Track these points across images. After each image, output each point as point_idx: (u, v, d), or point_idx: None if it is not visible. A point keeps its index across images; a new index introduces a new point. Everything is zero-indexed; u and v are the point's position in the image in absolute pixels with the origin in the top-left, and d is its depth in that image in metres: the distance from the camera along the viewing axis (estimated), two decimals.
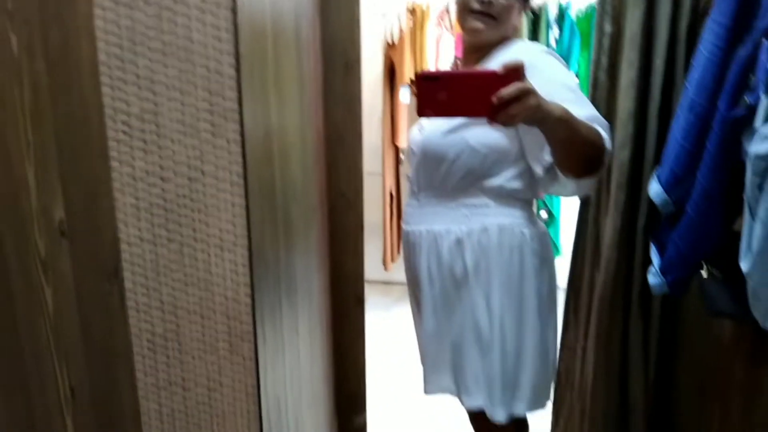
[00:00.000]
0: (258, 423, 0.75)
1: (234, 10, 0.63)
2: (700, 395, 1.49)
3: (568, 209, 2.64)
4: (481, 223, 1.30)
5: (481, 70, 1.04)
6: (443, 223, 1.34)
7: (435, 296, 1.37)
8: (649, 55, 1.43)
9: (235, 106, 0.66)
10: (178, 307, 0.73)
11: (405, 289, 1.63)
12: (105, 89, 0.66)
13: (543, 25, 2.46)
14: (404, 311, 3.00)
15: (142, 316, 0.73)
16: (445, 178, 1.32)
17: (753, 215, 1.03)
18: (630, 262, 1.52)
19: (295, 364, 1.28)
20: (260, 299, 0.77)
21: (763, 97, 1.00)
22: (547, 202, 2.86)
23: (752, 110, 1.02)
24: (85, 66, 0.65)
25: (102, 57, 0.65)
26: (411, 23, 2.73)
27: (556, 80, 1.18)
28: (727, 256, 1.12)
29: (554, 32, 2.37)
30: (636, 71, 1.43)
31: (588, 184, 1.25)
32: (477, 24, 1.27)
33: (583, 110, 1.14)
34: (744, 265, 1.04)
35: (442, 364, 1.37)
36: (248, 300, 0.70)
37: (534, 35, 2.55)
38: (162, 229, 0.70)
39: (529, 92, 0.94)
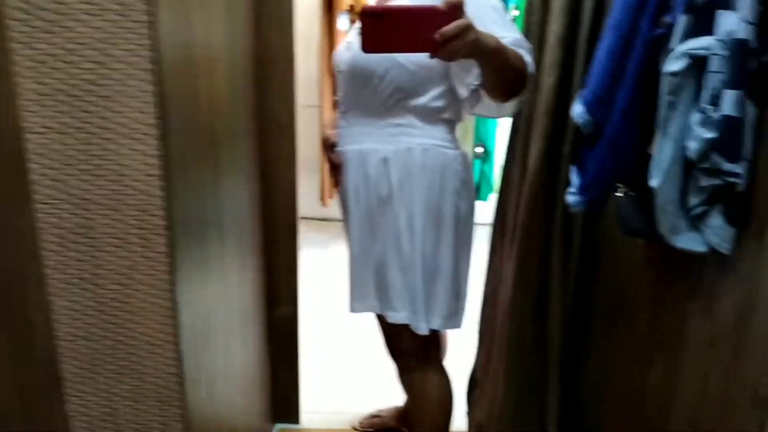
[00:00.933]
0: (173, 320, 0.75)
1: None
2: (612, 314, 1.59)
3: (504, 145, 2.68)
4: (406, 142, 1.32)
5: (424, 6, 1.04)
6: (370, 143, 1.35)
7: (361, 216, 1.38)
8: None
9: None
10: (88, 200, 0.71)
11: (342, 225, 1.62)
12: None
13: None
14: (342, 248, 3.03)
15: (49, 209, 0.70)
16: (373, 96, 1.32)
17: (664, 133, 1.07)
18: (553, 187, 1.57)
19: (220, 276, 1.28)
20: (175, 195, 0.76)
21: (679, 16, 1.02)
22: (482, 138, 2.90)
23: (671, 30, 1.06)
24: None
25: None
26: None
27: (485, 2, 1.25)
28: (641, 177, 1.17)
29: None
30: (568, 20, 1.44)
31: (510, 106, 1.38)
32: None
33: (509, 33, 1.22)
34: (654, 181, 1.09)
35: (368, 283, 1.40)
36: (160, 192, 0.69)
37: None
38: (68, 116, 0.67)
39: (470, 28, 0.98)
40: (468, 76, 1.28)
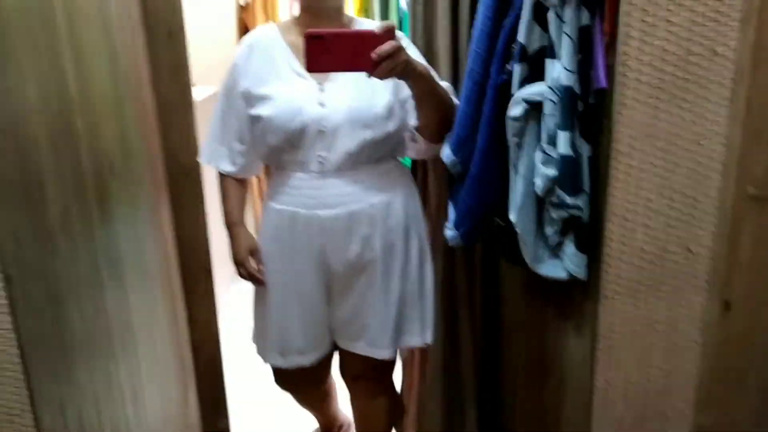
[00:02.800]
0: (27, 388, 0.80)
1: None
2: (515, 334, 1.66)
3: None
4: (397, 187, 1.43)
5: (361, 30, 1.21)
6: (368, 197, 1.38)
7: (385, 268, 1.43)
8: (456, 22, 1.52)
9: None
10: None
11: None
12: None
13: None
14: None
15: None
16: (370, 149, 1.36)
17: (516, 171, 1.15)
18: None
19: (127, 331, 1.32)
20: (42, 270, 0.81)
21: (517, 65, 1.11)
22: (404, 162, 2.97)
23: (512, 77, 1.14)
24: None
25: None
26: None
27: (416, 54, 1.38)
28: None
29: None
30: (448, 38, 1.51)
31: (435, 149, 1.42)
32: None
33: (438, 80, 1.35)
34: (511, 215, 1.17)
35: (384, 328, 1.46)
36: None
37: (385, 1, 2.60)
38: None
39: (401, 49, 1.12)
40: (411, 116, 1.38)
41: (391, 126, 1.35)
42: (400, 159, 1.51)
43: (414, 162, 1.73)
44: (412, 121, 1.37)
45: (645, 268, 0.83)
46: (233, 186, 1.52)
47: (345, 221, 1.36)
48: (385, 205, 1.40)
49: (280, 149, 1.36)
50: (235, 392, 2.07)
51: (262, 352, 1.54)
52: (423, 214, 1.53)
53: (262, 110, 1.34)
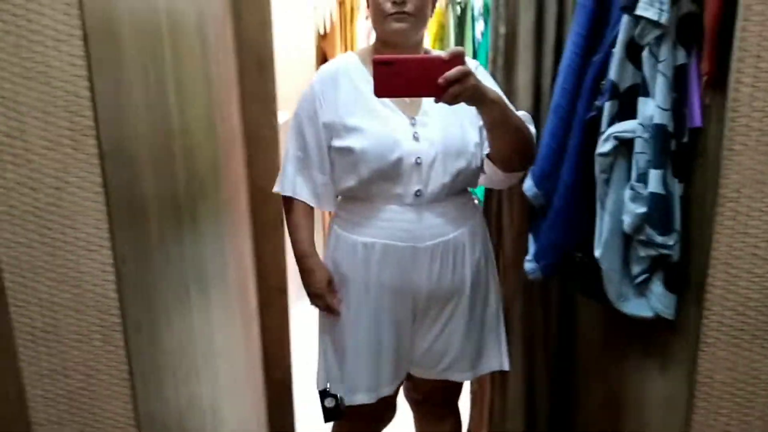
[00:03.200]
0: (132, 404, 0.84)
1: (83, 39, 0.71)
2: (591, 370, 1.63)
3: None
4: (474, 215, 1.44)
5: (429, 56, 1.21)
6: (457, 227, 1.39)
7: (472, 294, 1.44)
8: (540, 57, 1.53)
9: (92, 123, 0.74)
10: (54, 303, 0.81)
11: None
12: None
13: (468, 18, 2.54)
14: None
15: (22, 311, 0.81)
16: (461, 181, 1.37)
17: (603, 207, 1.15)
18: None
19: (209, 346, 1.37)
20: (132, 294, 0.86)
21: (607, 102, 1.11)
22: (476, 192, 2.98)
23: (602, 113, 1.14)
24: None
25: None
26: (341, 15, 2.81)
27: (492, 84, 1.37)
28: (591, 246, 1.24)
29: (479, 25, 2.46)
30: (531, 72, 1.53)
31: (514, 177, 1.44)
32: (398, 25, 1.31)
33: (512, 107, 1.33)
34: (597, 252, 1.16)
35: (465, 353, 1.47)
36: (115, 295, 0.79)
37: (460, 29, 2.63)
38: (34, 233, 0.78)
39: (470, 74, 1.10)
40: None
41: (478, 158, 1.36)
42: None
43: (487, 193, 1.73)
44: (485, 149, 1.37)
45: (749, 315, 0.81)
46: (306, 216, 1.46)
47: (440, 252, 1.37)
48: (471, 234, 1.41)
49: (371, 182, 1.34)
50: (302, 411, 2.10)
51: (347, 394, 1.46)
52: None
53: (353, 142, 1.33)
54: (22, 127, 0.75)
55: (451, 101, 1.11)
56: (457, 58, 1.10)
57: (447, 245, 1.37)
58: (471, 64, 1.44)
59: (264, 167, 1.76)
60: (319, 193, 1.44)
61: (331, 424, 1.56)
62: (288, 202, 1.47)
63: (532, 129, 1.36)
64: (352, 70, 1.41)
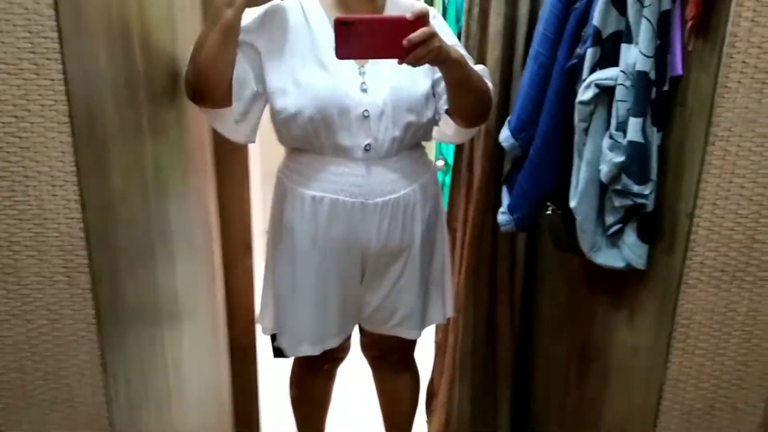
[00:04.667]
0: (100, 351, 0.80)
1: None
2: (554, 325, 1.65)
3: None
4: (427, 171, 1.41)
5: (392, 16, 1.16)
6: (408, 183, 1.36)
7: (422, 252, 1.42)
8: (514, 5, 1.51)
9: (56, 45, 0.68)
10: (14, 242, 0.75)
11: None
12: None
13: None
14: None
15: None
16: (412, 134, 1.33)
17: (580, 156, 1.14)
18: (497, 205, 1.63)
19: (172, 302, 1.33)
20: (103, 236, 0.81)
21: (589, 49, 1.10)
22: (443, 151, 2.96)
23: (583, 60, 1.13)
24: None
25: None
26: None
27: (450, 36, 1.35)
28: (566, 197, 1.24)
29: None
30: (503, 21, 1.50)
31: (468, 132, 1.44)
32: None
33: (471, 61, 1.31)
34: (572, 202, 1.16)
35: (415, 310, 1.47)
36: (82, 234, 0.74)
37: None
38: None
39: (434, 35, 1.07)
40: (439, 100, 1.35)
41: (429, 110, 1.33)
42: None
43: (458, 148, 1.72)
44: (443, 105, 1.35)
45: (731, 256, 0.82)
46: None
47: (390, 209, 1.35)
48: (422, 190, 1.38)
49: (317, 135, 1.28)
50: (266, 370, 2.08)
51: (291, 345, 1.45)
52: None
53: (301, 90, 1.25)
54: None
55: (415, 63, 1.09)
56: (422, 19, 1.06)
57: (397, 202, 1.34)
58: (429, 13, 1.39)
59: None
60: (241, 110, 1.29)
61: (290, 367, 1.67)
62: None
63: (490, 84, 1.35)
64: (308, 11, 1.31)
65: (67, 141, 0.71)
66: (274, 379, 2.17)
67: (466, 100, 1.28)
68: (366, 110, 1.26)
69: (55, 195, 0.74)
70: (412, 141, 1.36)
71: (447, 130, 1.44)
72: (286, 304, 1.43)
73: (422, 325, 1.50)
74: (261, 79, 1.28)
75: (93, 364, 0.82)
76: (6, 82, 0.70)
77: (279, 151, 1.46)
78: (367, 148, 1.29)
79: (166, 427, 1.27)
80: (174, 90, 1.33)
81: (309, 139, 1.30)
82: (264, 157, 1.80)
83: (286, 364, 1.75)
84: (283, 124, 1.29)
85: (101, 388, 0.83)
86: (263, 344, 1.98)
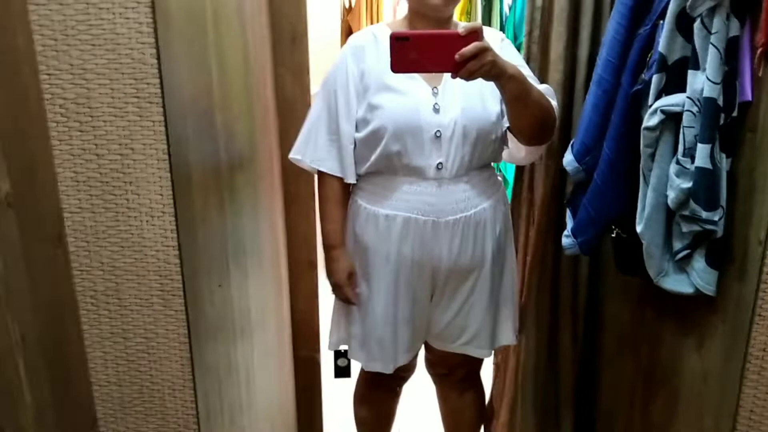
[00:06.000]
0: (190, 367, 0.86)
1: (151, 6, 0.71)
2: (618, 348, 1.64)
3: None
4: (497, 191, 1.46)
5: (446, 31, 1.20)
6: (479, 202, 1.39)
7: (492, 271, 1.45)
8: (576, 28, 1.52)
9: (158, 90, 0.75)
10: (117, 267, 0.83)
11: None
12: (42, 77, 0.74)
13: None
14: None
15: (85, 275, 0.83)
16: (482, 154, 1.37)
17: (646, 182, 1.15)
18: (559, 226, 1.64)
19: (245, 318, 1.39)
20: (191, 260, 0.88)
21: (655, 75, 1.10)
22: (501, 168, 2.98)
23: (649, 86, 1.13)
24: (23, 56, 0.73)
25: (38, 47, 0.73)
26: None
27: (515, 56, 1.39)
28: (632, 221, 1.24)
29: (507, 1, 2.45)
30: (564, 44, 1.52)
31: (535, 152, 1.46)
32: (437, 1, 1.31)
33: (536, 82, 1.33)
34: (639, 227, 1.17)
35: (484, 328, 1.49)
36: (177, 260, 0.81)
37: (487, 2, 2.61)
38: (99, 199, 0.80)
39: (487, 50, 1.10)
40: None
41: (499, 131, 1.36)
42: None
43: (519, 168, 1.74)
44: (505, 122, 1.37)
45: None
46: (336, 203, 1.46)
47: (461, 227, 1.38)
48: (493, 209, 1.42)
49: (392, 156, 1.34)
50: (329, 386, 2.12)
51: (366, 360, 1.49)
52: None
53: (377, 114, 1.33)
54: (88, 94, 0.76)
55: (468, 77, 1.11)
56: (474, 34, 1.09)
57: (469, 220, 1.38)
58: (496, 37, 1.44)
59: (296, 141, 1.76)
60: (345, 164, 1.41)
61: (353, 384, 1.70)
62: (321, 183, 1.48)
63: (554, 103, 1.36)
64: (381, 39, 1.39)
65: (165, 176, 0.78)
66: (336, 395, 2.22)
67: (526, 116, 1.30)
68: (438, 130, 1.31)
69: (153, 225, 0.81)
70: (482, 161, 1.39)
71: (515, 151, 1.46)
72: (360, 320, 1.48)
73: (492, 344, 1.51)
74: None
75: (184, 380, 0.89)
76: (112, 124, 0.77)
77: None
78: (438, 167, 1.33)
79: None
80: (247, 114, 1.41)
81: (384, 159, 1.36)
82: None
83: (350, 382, 1.80)
84: (363, 145, 1.37)
85: (191, 402, 0.89)
86: (327, 360, 2.04)
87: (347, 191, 1.48)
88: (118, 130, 0.78)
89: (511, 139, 1.44)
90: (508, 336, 1.54)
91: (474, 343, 1.49)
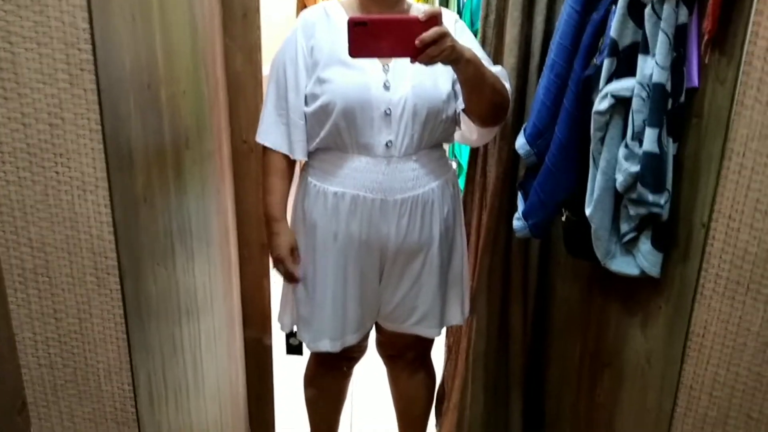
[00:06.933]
0: (127, 348, 0.83)
1: None
2: (566, 330, 1.66)
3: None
4: (447, 172, 1.45)
5: (405, 16, 1.19)
6: (428, 182, 1.39)
7: (440, 252, 1.45)
8: (531, 13, 1.52)
9: (90, 56, 0.70)
10: (46, 244, 0.78)
11: None
12: None
13: None
14: None
15: (12, 252, 0.78)
16: (432, 134, 1.37)
17: (596, 165, 1.15)
18: (511, 210, 1.65)
19: (191, 299, 1.36)
20: (129, 238, 0.84)
21: (606, 59, 1.11)
22: (456, 153, 2.98)
23: (600, 71, 1.14)
24: None
25: None
26: None
27: (470, 40, 1.41)
28: (581, 204, 1.25)
29: None
30: (518, 29, 1.52)
31: (488, 134, 1.47)
32: None
33: (491, 66, 1.36)
34: (588, 210, 1.18)
35: (434, 309, 1.50)
36: (111, 237, 0.77)
37: None
38: (26, 171, 0.75)
39: (446, 35, 1.11)
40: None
41: (450, 110, 1.36)
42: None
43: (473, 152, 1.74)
44: (460, 103, 1.38)
45: (745, 269, 0.83)
46: (281, 176, 1.45)
47: (408, 206, 1.38)
48: (441, 190, 1.41)
49: (341, 132, 1.33)
50: (280, 368, 2.11)
51: (311, 340, 1.49)
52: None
53: (324, 93, 1.32)
54: (13, 59, 0.71)
55: (427, 62, 1.12)
56: (434, 19, 1.10)
57: (416, 200, 1.38)
58: (450, 18, 1.44)
59: (246, 119, 1.72)
60: (293, 140, 1.41)
61: (304, 366, 1.71)
62: (266, 155, 1.46)
63: (508, 85, 1.39)
64: (333, 15, 1.39)
65: (98, 147, 0.74)
66: (288, 377, 2.20)
67: (480, 99, 1.32)
68: (388, 108, 1.31)
69: (85, 199, 0.77)
70: (433, 140, 1.38)
71: (468, 133, 1.47)
72: (306, 300, 1.47)
73: (441, 324, 1.53)
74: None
75: (121, 362, 0.85)
76: (41, 92, 0.72)
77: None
78: (388, 145, 1.33)
79: (184, 419, 1.30)
80: (194, 90, 1.36)
81: (333, 136, 1.35)
82: None
83: (300, 363, 1.78)
84: (313, 121, 1.36)
85: (128, 384, 0.86)
86: (278, 343, 2.01)
87: (292, 166, 1.47)
88: (47, 98, 0.73)
89: (464, 121, 1.44)
90: (456, 316, 1.55)
91: (423, 323, 1.49)
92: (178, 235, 1.26)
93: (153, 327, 1.10)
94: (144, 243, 1.02)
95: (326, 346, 1.47)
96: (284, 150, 1.41)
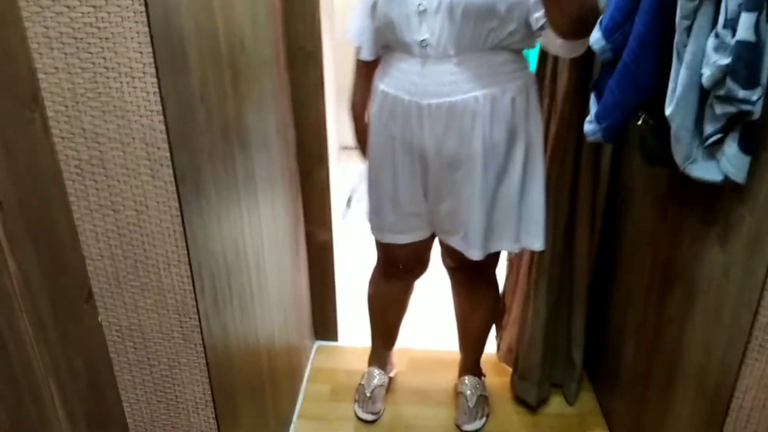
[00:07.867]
0: (184, 241, 0.83)
1: None
2: (637, 243, 1.59)
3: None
4: (509, 83, 1.32)
5: None
6: (470, 89, 1.28)
7: (484, 170, 1.35)
8: None
9: None
10: (99, 134, 0.78)
11: None
12: None
13: None
14: None
15: (67, 143, 0.78)
16: (477, 36, 1.25)
17: (680, 59, 1.04)
18: (581, 117, 1.54)
19: (252, 205, 1.36)
20: (183, 131, 0.82)
21: None
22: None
23: None
24: None
25: None
26: None
27: None
28: (661, 105, 1.15)
29: None
30: None
31: (572, 47, 1.34)
32: None
33: None
34: (668, 109, 1.07)
35: (475, 228, 1.40)
36: (162, 126, 0.75)
37: None
38: (74, 58, 0.73)
39: None
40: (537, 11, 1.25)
41: (502, 9, 1.23)
42: (524, 52, 1.40)
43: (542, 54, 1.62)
44: (542, 16, 1.24)
45: None
46: (363, 75, 1.54)
47: (444, 113, 1.29)
48: (490, 100, 1.30)
49: (384, 29, 1.33)
50: (343, 276, 2.14)
51: (374, 227, 1.58)
52: (539, 115, 1.42)
53: None
54: None
55: None
56: None
57: (453, 107, 1.28)
58: None
59: (303, 27, 1.66)
60: (363, 39, 1.46)
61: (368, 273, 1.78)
62: (356, 62, 1.55)
63: None
64: None
65: (143, 31, 0.71)
66: (351, 283, 2.24)
67: (561, 6, 1.18)
68: (421, 4, 1.24)
69: (134, 87, 0.75)
70: (480, 43, 1.27)
71: (552, 41, 1.34)
72: (372, 191, 1.53)
73: (484, 247, 1.42)
74: None
75: (179, 255, 0.86)
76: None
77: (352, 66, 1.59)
78: (423, 44, 1.27)
79: (249, 323, 1.34)
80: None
81: (382, 34, 1.36)
82: (337, 73, 1.78)
83: (364, 270, 1.80)
84: (372, 19, 1.38)
85: (187, 278, 0.87)
86: (340, 247, 2.04)
87: (371, 66, 1.50)
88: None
89: (545, 32, 1.30)
90: (507, 242, 1.45)
91: (465, 241, 1.43)
92: (237, 142, 1.25)
93: (214, 227, 1.11)
94: (203, 143, 1.01)
95: (390, 238, 1.54)
96: (355, 43, 1.47)
